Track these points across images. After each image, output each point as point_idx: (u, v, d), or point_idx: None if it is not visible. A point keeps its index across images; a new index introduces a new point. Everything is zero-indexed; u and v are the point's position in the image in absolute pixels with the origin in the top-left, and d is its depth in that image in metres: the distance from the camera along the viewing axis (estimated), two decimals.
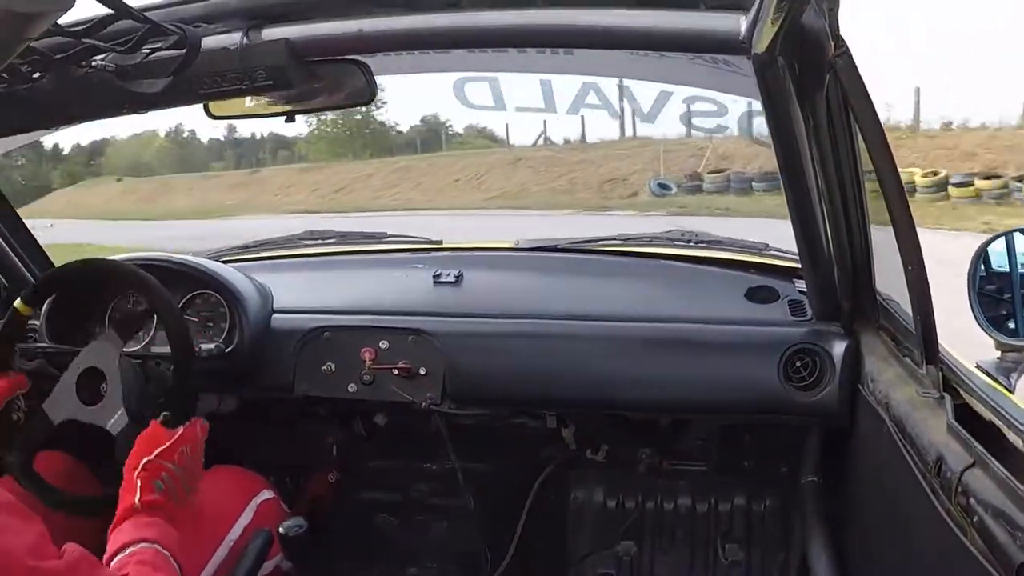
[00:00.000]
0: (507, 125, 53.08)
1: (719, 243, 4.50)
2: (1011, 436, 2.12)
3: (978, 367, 2.80)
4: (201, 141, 78.54)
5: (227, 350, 3.96)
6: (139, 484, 2.94)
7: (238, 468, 3.93)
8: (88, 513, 3.30)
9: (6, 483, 3.42)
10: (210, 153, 77.13)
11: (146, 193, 66.21)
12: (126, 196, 66.26)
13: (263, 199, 52.50)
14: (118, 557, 2.70)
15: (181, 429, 3.14)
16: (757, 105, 2.96)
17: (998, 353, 3.36)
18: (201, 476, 3.24)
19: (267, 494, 3.76)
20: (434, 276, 4.34)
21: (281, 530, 3.25)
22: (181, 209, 50.79)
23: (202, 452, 3.24)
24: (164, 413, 3.20)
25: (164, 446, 3.06)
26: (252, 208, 47.49)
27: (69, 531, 2.60)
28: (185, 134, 77.08)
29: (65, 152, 75.64)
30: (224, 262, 4.43)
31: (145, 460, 3.01)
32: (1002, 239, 3.32)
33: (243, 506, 3.59)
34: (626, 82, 3.96)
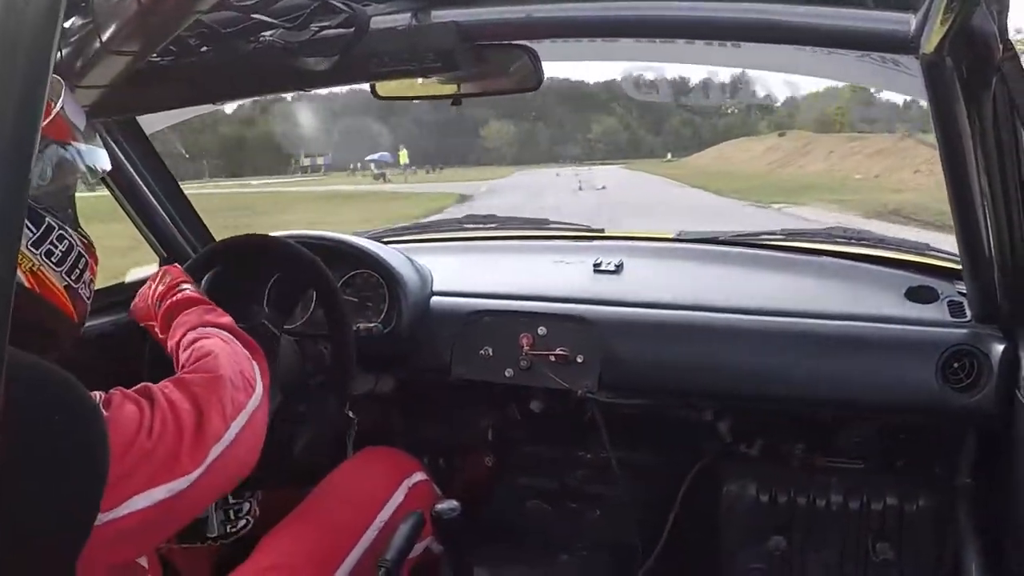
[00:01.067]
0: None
1: (880, 241, 4.46)
2: None
3: None
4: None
5: (385, 330, 4.03)
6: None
7: (392, 450, 3.95)
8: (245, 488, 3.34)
9: None
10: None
11: (787, 152, 67.45)
12: (768, 153, 67.17)
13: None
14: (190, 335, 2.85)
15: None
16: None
17: None
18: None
19: (420, 476, 3.76)
20: (594, 264, 4.35)
21: (434, 512, 3.23)
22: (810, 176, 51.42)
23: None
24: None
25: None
26: None
27: None
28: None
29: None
30: (385, 243, 4.48)
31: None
32: None
33: (395, 487, 3.61)
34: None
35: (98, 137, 2.66)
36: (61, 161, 2.39)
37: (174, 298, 3.13)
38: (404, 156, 74.10)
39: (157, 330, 3.13)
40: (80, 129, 2.48)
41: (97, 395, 2.14)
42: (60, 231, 2.36)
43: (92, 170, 2.55)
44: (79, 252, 2.43)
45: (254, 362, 2.77)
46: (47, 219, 2.33)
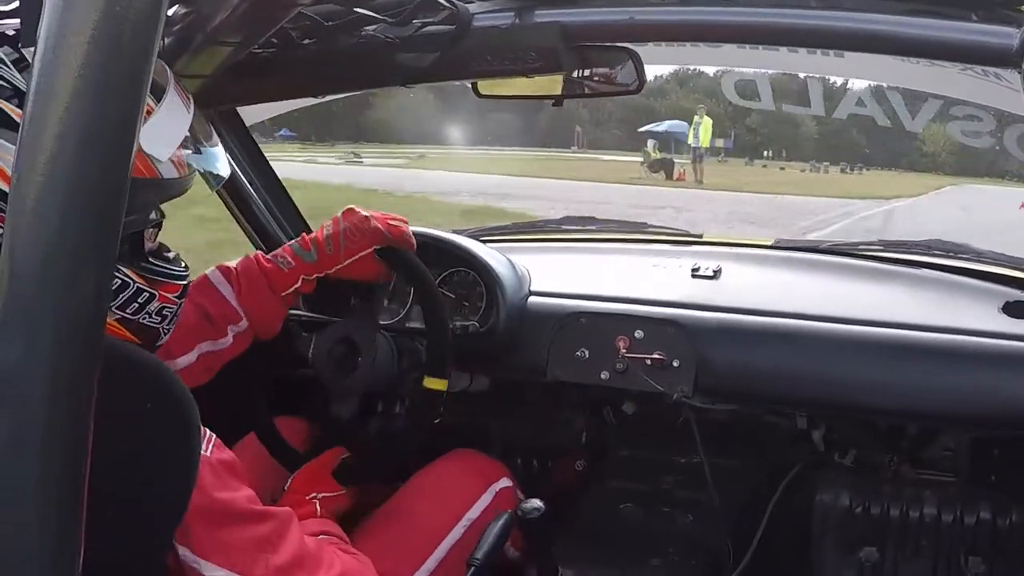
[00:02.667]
0: None
1: (979, 255, 4.42)
2: None
3: None
4: None
5: (482, 329, 4.04)
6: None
7: (480, 454, 3.96)
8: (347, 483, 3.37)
9: (250, 441, 3.59)
10: None
11: None
12: None
13: None
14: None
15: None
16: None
17: None
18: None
19: (506, 482, 3.78)
20: (692, 269, 4.35)
21: (519, 511, 3.22)
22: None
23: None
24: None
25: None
26: None
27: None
28: None
29: None
30: (483, 241, 4.48)
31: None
32: None
33: (482, 491, 3.64)
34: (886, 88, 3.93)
35: (215, 136, 2.67)
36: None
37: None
38: (707, 130, 46.96)
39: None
40: (167, 154, 2.45)
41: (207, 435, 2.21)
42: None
43: (213, 176, 2.58)
44: (137, 288, 2.43)
45: None
46: None
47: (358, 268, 3.48)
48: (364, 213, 3.48)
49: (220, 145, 2.65)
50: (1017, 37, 2.54)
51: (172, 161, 2.37)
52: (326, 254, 3.45)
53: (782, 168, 66.04)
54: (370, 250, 3.45)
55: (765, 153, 74.26)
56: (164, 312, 2.52)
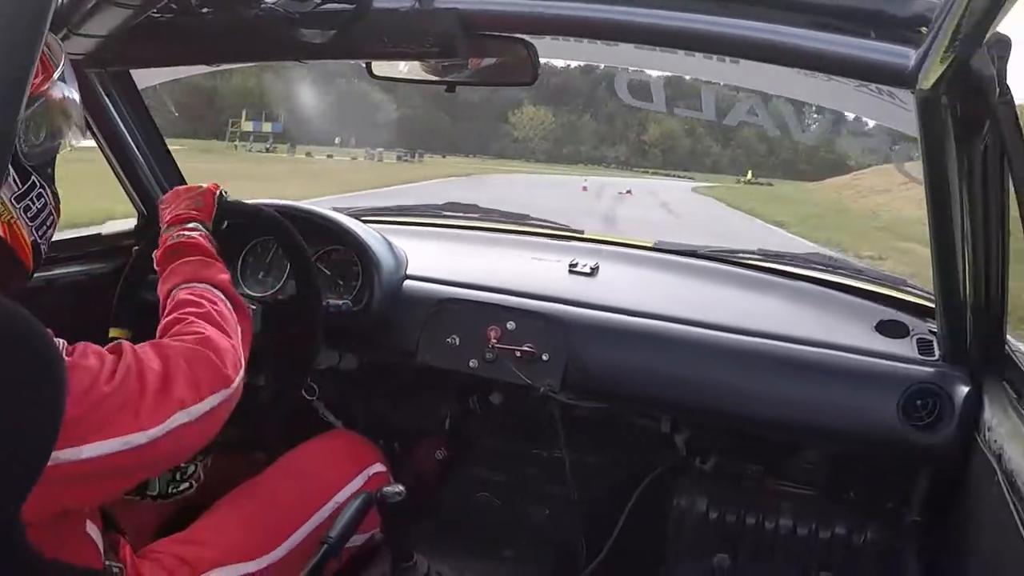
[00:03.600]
0: None
1: (858, 272, 4.49)
2: None
3: None
4: None
5: (355, 308, 4.01)
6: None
7: (357, 436, 3.95)
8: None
9: None
10: None
11: None
12: None
13: None
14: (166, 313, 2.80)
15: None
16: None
17: None
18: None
19: (379, 467, 3.76)
20: (570, 264, 4.37)
21: (380, 494, 3.21)
22: None
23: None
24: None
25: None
26: None
27: None
28: None
29: None
30: (364, 221, 4.44)
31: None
32: None
33: (355, 474, 3.61)
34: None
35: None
36: (53, 120, 2.41)
37: (179, 238, 3.13)
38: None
39: (155, 262, 3.13)
40: (76, 92, 2.50)
41: (61, 343, 2.14)
42: (40, 189, 2.38)
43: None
44: (50, 210, 2.45)
45: (240, 350, 2.75)
46: (32, 176, 2.35)
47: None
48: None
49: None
50: (913, 58, 2.56)
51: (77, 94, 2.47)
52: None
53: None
54: (216, 192, 3.48)
55: None
56: (50, 241, 2.52)
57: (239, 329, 2.81)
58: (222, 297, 2.85)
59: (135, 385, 2.25)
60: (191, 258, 3.02)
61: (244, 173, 33.01)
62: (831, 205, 55.39)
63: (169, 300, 2.85)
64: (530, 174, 73.13)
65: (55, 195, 2.48)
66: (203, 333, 2.62)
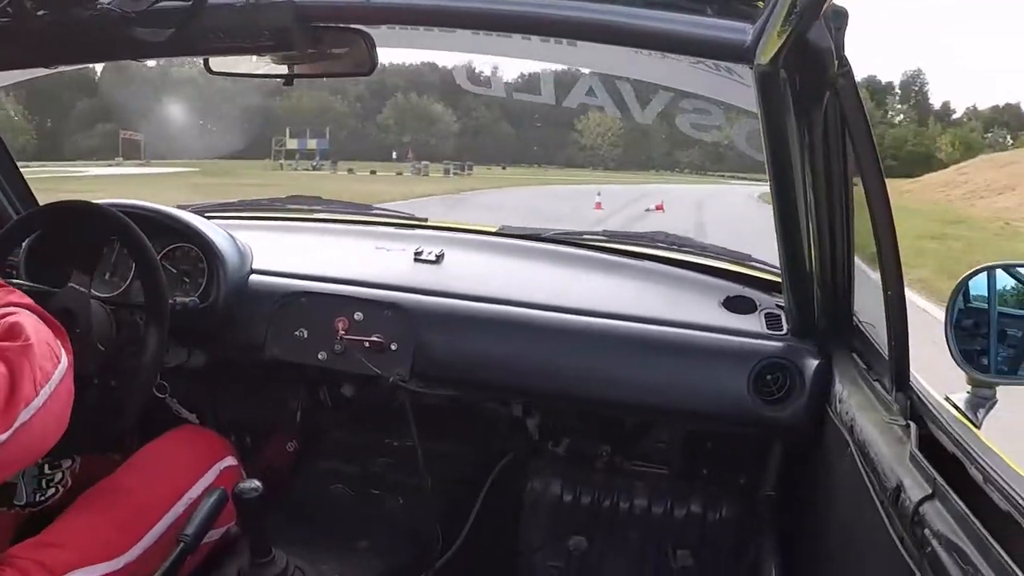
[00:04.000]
0: None
1: (703, 249, 4.53)
2: (972, 471, 2.13)
3: (947, 399, 2.81)
4: None
5: (202, 305, 3.98)
6: None
7: (205, 431, 3.94)
8: None
9: None
10: None
11: None
12: None
13: None
14: None
15: None
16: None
17: (969, 388, 3.36)
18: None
19: (230, 461, 3.75)
20: (415, 253, 4.37)
21: (236, 490, 3.19)
22: None
23: None
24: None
25: None
26: None
27: None
28: None
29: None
30: (207, 217, 4.42)
31: None
32: (984, 274, 3.31)
33: (205, 469, 3.59)
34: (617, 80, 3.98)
35: None
36: None
37: None
38: None
39: None
40: None
41: None
42: None
43: None
44: None
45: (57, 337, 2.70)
46: None
47: None
48: None
49: None
50: (751, 33, 2.58)
51: None
52: None
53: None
54: None
55: None
56: None
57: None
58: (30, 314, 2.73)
59: None
60: None
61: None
62: (943, 213, 48.25)
63: None
64: (554, 185, 69.02)
65: None
66: (21, 324, 2.57)
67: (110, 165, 75.38)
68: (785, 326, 3.79)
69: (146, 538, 3.21)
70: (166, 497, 3.37)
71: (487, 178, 71.98)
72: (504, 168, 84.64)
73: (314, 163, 77.11)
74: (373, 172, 74.20)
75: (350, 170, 74.04)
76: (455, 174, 76.27)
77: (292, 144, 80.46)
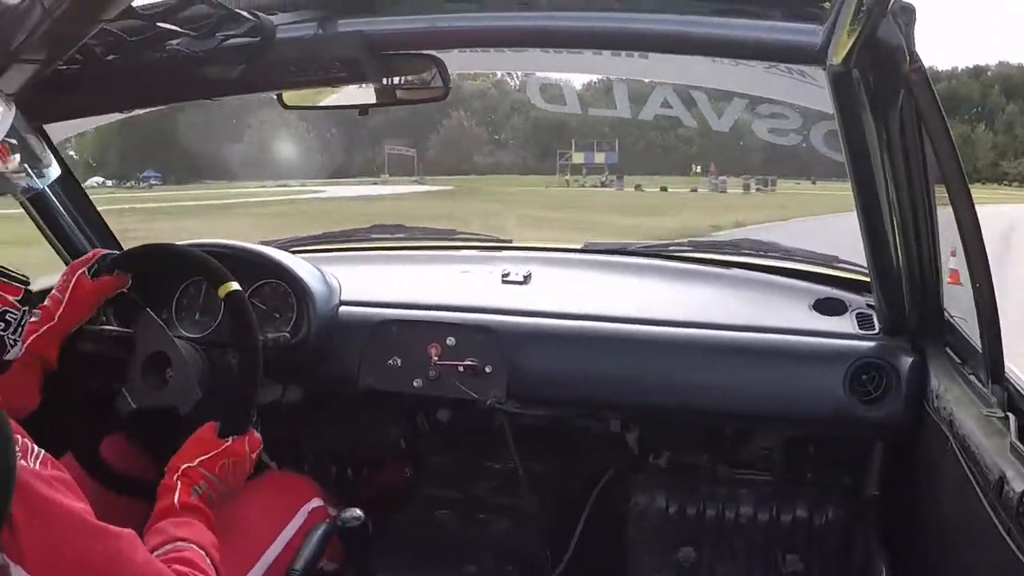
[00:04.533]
0: None
1: (788, 253, 4.49)
2: None
3: None
4: None
5: (293, 340, 3.97)
6: (178, 486, 2.94)
7: (291, 474, 3.95)
8: (146, 496, 3.19)
9: (67, 462, 3.46)
10: None
11: None
12: None
13: None
14: (158, 553, 2.67)
15: (230, 441, 3.13)
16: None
17: None
18: (239, 490, 3.24)
19: (317, 502, 3.71)
20: (502, 275, 4.36)
21: (339, 520, 3.24)
22: None
23: (248, 467, 3.22)
24: (218, 421, 3.20)
25: (207, 455, 3.06)
26: None
27: (116, 519, 2.60)
28: None
29: None
30: (293, 252, 4.43)
31: (185, 466, 3.01)
32: None
33: (293, 513, 3.59)
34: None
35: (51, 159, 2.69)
36: None
37: (196, 499, 3.00)
38: None
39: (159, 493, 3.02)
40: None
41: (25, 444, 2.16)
42: None
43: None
44: None
45: None
46: None
47: (80, 299, 3.38)
48: None
49: (55, 166, 2.68)
50: (821, 34, 2.57)
51: None
52: (47, 308, 3.34)
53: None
54: (75, 276, 3.36)
55: None
56: (7, 317, 2.51)
57: None
58: (211, 568, 2.75)
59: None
60: (197, 522, 2.92)
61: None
62: None
63: (171, 541, 2.75)
64: None
65: None
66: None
67: (375, 183, 74.82)
68: (877, 325, 3.76)
69: None
70: (256, 546, 3.38)
71: (794, 194, 66.95)
72: (814, 183, 77.61)
73: (603, 178, 74.30)
74: (664, 188, 71.54)
75: (638, 186, 71.88)
76: (757, 190, 72.30)
77: (578, 158, 77.43)
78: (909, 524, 3.59)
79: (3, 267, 2.53)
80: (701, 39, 2.78)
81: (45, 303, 3.31)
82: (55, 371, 3.42)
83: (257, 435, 3.26)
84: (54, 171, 2.73)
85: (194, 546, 2.72)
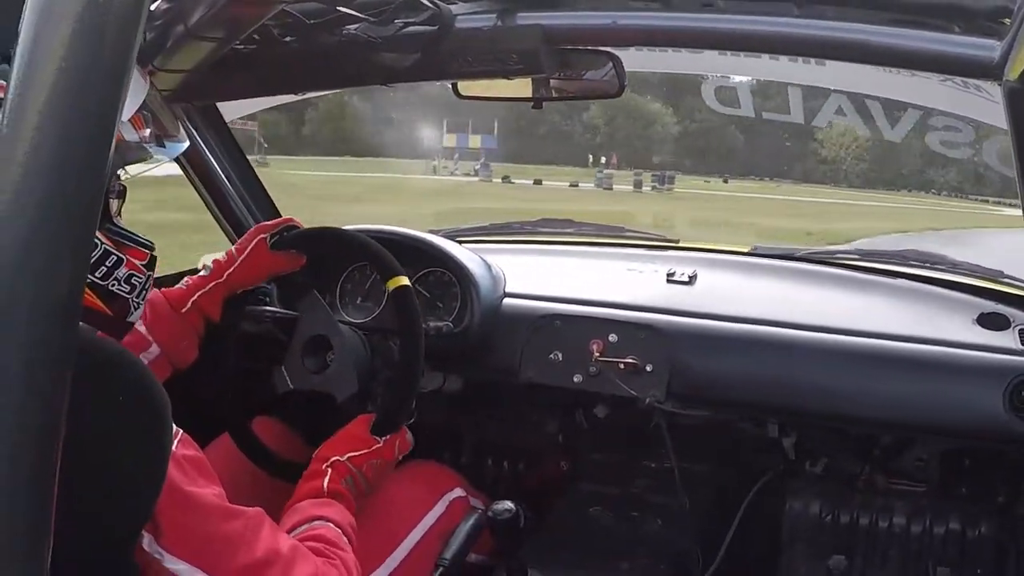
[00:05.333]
0: None
1: (954, 266, 4.43)
2: None
3: None
4: None
5: (456, 330, 4.03)
6: (328, 473, 3.02)
7: (432, 463, 3.98)
8: (292, 478, 3.30)
9: (223, 441, 3.59)
10: None
11: None
12: None
13: None
14: (295, 532, 2.76)
15: (381, 443, 3.18)
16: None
17: None
18: (381, 487, 3.31)
19: (459, 492, 3.79)
20: (668, 274, 4.35)
21: (490, 512, 3.30)
22: None
23: (391, 467, 3.30)
24: (373, 415, 3.26)
25: (358, 452, 3.13)
26: None
27: (256, 495, 2.64)
28: None
29: None
30: (459, 242, 4.49)
31: (335, 458, 3.08)
32: None
33: (435, 501, 3.66)
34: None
35: (182, 131, 2.75)
36: None
37: (345, 485, 3.11)
38: None
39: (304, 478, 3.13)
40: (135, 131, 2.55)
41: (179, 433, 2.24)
42: None
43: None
44: (105, 250, 2.50)
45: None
46: None
47: (254, 264, 3.49)
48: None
49: (185, 140, 2.77)
50: (999, 50, 2.54)
51: (131, 123, 2.50)
52: (220, 264, 3.47)
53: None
54: (256, 240, 3.48)
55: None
56: (132, 281, 2.56)
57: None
58: (349, 549, 2.82)
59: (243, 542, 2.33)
60: (338, 504, 3.01)
61: None
62: None
63: (309, 520, 2.85)
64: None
65: (112, 233, 2.57)
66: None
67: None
68: None
69: (386, 563, 3.33)
70: (397, 532, 3.45)
71: (691, 195, 61.06)
72: (726, 181, 75.10)
73: (477, 166, 66.96)
74: (538, 182, 64.63)
75: (505, 177, 65.70)
76: (653, 188, 64.81)
77: (450, 141, 67.98)
78: None
79: (131, 231, 2.58)
80: (879, 48, 2.77)
81: (219, 257, 3.44)
82: (216, 346, 3.53)
83: (409, 438, 3.34)
84: (182, 145, 2.76)
85: (331, 524, 2.80)
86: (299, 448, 3.78)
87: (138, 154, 2.54)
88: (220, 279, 3.42)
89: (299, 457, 3.44)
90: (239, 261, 3.44)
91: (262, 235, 3.47)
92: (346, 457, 3.09)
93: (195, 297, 3.40)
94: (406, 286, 3.39)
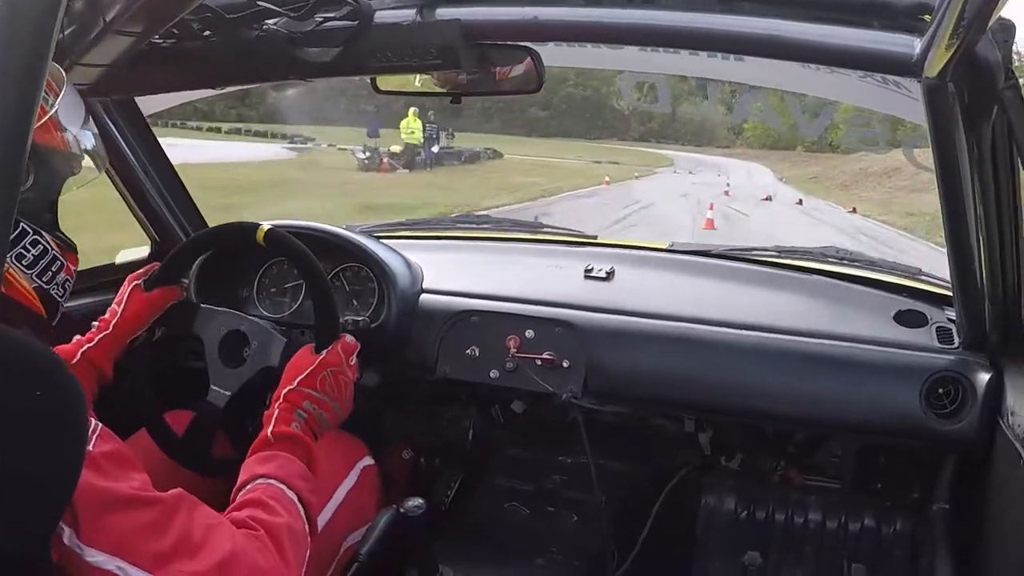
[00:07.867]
0: None
1: (872, 264, 4.48)
2: None
3: None
4: None
5: (373, 325, 3.99)
6: (276, 414, 2.98)
7: (343, 433, 3.90)
8: (215, 473, 3.35)
9: (141, 437, 3.51)
10: None
11: None
12: None
13: None
14: (239, 495, 2.73)
15: (323, 354, 3.16)
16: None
17: None
18: (350, 401, 3.24)
19: (368, 460, 3.82)
20: (585, 270, 4.36)
21: (401, 509, 3.24)
22: None
23: (351, 374, 3.24)
24: (312, 342, 3.25)
25: (305, 372, 3.10)
26: None
27: (191, 484, 2.63)
28: None
29: None
30: (377, 238, 4.47)
31: (286, 390, 3.05)
32: None
33: (348, 470, 3.68)
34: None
35: (90, 120, 2.75)
36: (46, 166, 2.53)
37: (295, 429, 3.04)
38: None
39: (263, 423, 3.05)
40: (76, 132, 2.57)
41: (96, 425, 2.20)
42: (35, 236, 2.50)
43: (93, 155, 2.67)
44: (53, 255, 2.54)
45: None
46: (21, 224, 2.45)
47: (134, 310, 3.44)
48: None
49: (93, 127, 2.76)
50: (918, 46, 2.56)
51: (76, 137, 2.58)
52: (104, 319, 3.42)
53: None
54: (130, 288, 3.45)
55: None
56: (65, 284, 2.62)
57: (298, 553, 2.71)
58: (302, 515, 2.79)
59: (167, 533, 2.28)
60: (293, 456, 2.94)
61: None
62: None
63: (251, 481, 2.79)
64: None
65: (60, 241, 2.59)
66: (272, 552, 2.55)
67: None
68: (956, 340, 3.75)
69: None
70: (316, 500, 3.40)
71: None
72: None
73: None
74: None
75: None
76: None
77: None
78: (978, 539, 3.58)
79: (65, 235, 2.59)
80: (799, 44, 2.78)
81: (104, 315, 3.41)
82: (141, 395, 3.50)
83: (350, 339, 3.30)
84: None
85: (273, 481, 2.76)
86: (223, 445, 3.69)
87: (79, 163, 2.58)
88: (107, 331, 3.38)
89: (222, 450, 3.47)
90: (120, 312, 3.42)
91: (135, 282, 3.47)
92: (296, 383, 3.07)
93: (83, 350, 3.33)
94: (271, 228, 3.38)
